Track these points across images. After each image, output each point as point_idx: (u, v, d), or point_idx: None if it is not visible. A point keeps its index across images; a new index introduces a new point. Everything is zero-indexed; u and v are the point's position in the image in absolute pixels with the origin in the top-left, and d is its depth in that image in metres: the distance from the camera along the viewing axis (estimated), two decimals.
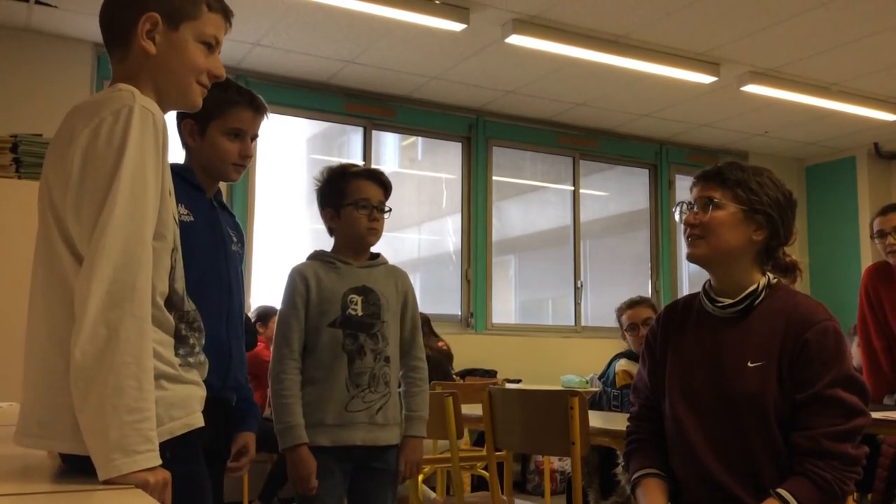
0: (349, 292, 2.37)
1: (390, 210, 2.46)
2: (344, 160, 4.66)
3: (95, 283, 1.15)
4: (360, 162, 6.01)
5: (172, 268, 1.34)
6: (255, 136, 2.01)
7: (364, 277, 2.41)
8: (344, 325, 2.34)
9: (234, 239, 2.02)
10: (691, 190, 1.94)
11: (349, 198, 2.40)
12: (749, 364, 1.81)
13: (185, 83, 1.39)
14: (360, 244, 2.44)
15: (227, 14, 1.46)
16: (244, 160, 1.99)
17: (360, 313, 2.36)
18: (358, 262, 2.43)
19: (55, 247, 1.25)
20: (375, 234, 2.42)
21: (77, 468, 1.23)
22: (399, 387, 2.46)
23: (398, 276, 2.49)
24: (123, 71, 1.37)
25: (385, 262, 2.50)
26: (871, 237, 3.61)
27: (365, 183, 2.42)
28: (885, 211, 3.55)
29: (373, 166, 6.20)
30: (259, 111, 2.01)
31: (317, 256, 2.46)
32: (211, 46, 1.41)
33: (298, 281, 2.38)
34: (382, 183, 2.44)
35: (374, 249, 2.50)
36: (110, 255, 1.17)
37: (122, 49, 1.37)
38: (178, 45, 1.37)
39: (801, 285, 2.65)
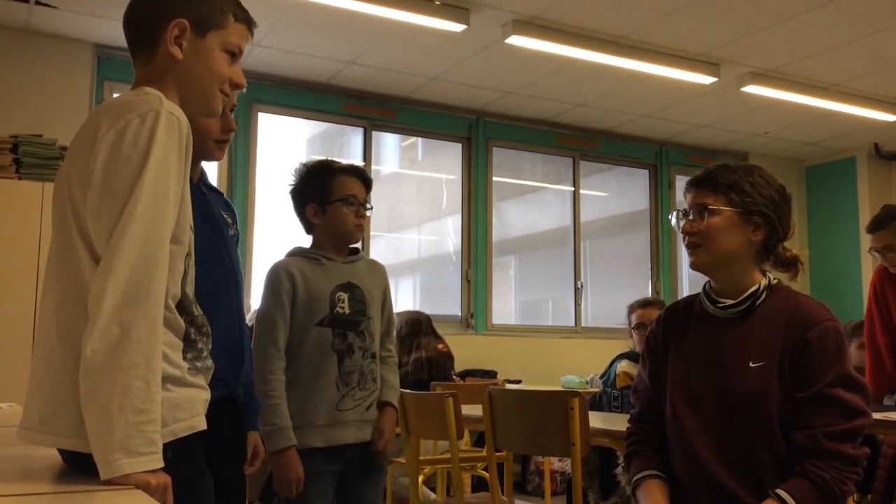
0: (336, 290, 2.35)
1: (372, 208, 2.48)
2: (344, 161, 4.65)
3: (111, 283, 1.16)
4: (360, 163, 6.00)
5: (185, 272, 1.35)
6: (233, 108, 1.91)
7: (348, 273, 2.40)
8: (333, 323, 2.32)
9: (230, 221, 1.97)
10: (685, 196, 1.94)
11: (337, 194, 2.39)
12: (751, 364, 1.80)
13: (209, 90, 1.42)
14: (346, 241, 2.44)
15: (250, 25, 1.48)
16: (227, 135, 1.90)
17: (347, 311, 2.34)
18: (340, 258, 2.42)
19: (72, 243, 1.25)
20: (361, 230, 2.43)
21: (76, 466, 1.23)
22: None
23: (379, 270, 2.51)
24: (147, 74, 1.38)
25: (364, 256, 2.50)
26: (870, 252, 3.49)
27: (351, 180, 2.42)
28: (882, 224, 3.42)
29: (373, 167, 6.20)
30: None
31: (299, 253, 2.42)
32: (234, 55, 1.44)
33: (284, 277, 2.33)
34: (366, 180, 2.46)
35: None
36: (128, 256, 1.18)
37: (147, 52, 1.39)
38: (204, 53, 1.39)
39: (801, 285, 2.64)
